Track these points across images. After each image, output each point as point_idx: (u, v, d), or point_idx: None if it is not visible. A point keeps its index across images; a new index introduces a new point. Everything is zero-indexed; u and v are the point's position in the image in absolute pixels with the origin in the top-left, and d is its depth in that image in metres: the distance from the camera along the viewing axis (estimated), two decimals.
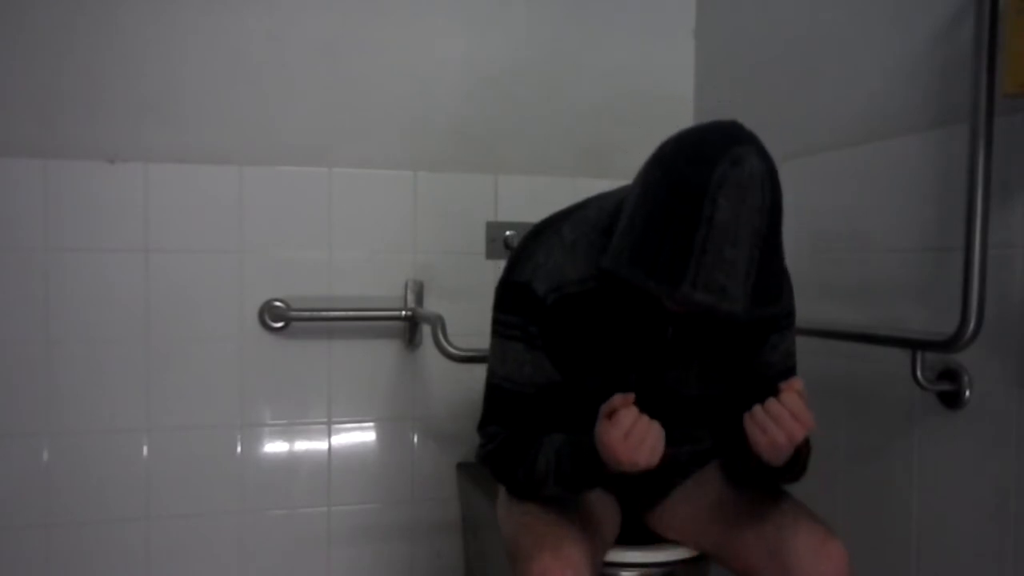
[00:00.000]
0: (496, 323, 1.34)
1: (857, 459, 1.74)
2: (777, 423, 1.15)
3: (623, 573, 1.43)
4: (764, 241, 1.09)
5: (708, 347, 1.33)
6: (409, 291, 2.16)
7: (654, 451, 1.16)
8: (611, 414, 1.17)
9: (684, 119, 2.30)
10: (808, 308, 1.66)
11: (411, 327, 2.17)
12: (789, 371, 1.39)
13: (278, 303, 2.08)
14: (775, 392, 1.17)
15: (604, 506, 1.44)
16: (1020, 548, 1.39)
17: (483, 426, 1.39)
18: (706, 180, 1.07)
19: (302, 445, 2.14)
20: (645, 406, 1.33)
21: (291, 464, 2.14)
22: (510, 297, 1.31)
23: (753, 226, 1.07)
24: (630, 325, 1.28)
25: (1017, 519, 1.39)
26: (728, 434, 1.41)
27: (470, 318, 2.00)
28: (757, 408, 1.17)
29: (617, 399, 1.17)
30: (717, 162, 1.07)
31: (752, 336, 1.35)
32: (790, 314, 1.38)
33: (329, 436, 2.16)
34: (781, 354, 1.38)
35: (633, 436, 1.15)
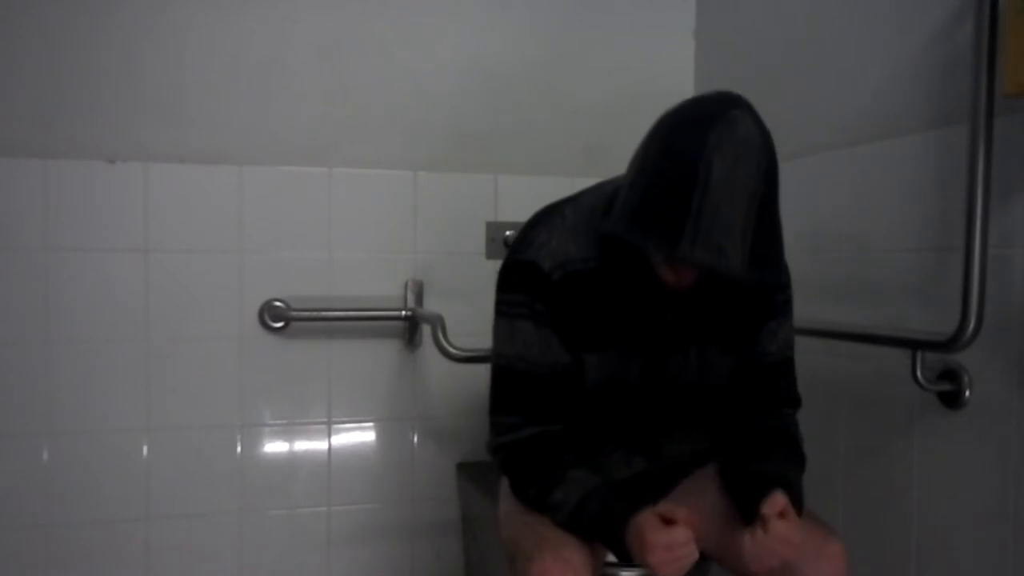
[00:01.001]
0: (501, 304, 1.33)
1: (857, 459, 1.74)
2: (769, 553, 1.17)
3: (623, 573, 1.43)
4: (761, 203, 1.10)
5: (707, 331, 1.33)
6: (409, 291, 2.16)
7: (679, 572, 1.16)
8: (668, 520, 1.16)
9: None
10: (808, 308, 1.66)
11: (411, 327, 2.17)
12: (786, 362, 1.40)
13: (278, 303, 2.08)
14: (756, 512, 1.18)
15: None
16: (1020, 548, 1.39)
17: (497, 412, 1.35)
18: (702, 141, 1.09)
19: (302, 445, 2.14)
20: (646, 395, 1.33)
21: (291, 464, 2.14)
22: (516, 276, 1.31)
23: (749, 187, 1.09)
24: (632, 305, 1.29)
25: (1017, 519, 1.39)
26: (726, 437, 1.42)
27: (470, 318, 2.00)
28: (748, 540, 1.18)
29: (683, 513, 1.17)
30: (712, 125, 1.10)
31: (750, 318, 1.35)
32: (788, 301, 1.39)
33: (329, 436, 2.16)
34: (779, 343, 1.38)
35: (673, 552, 1.15)
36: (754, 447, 1.35)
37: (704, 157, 1.08)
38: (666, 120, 1.17)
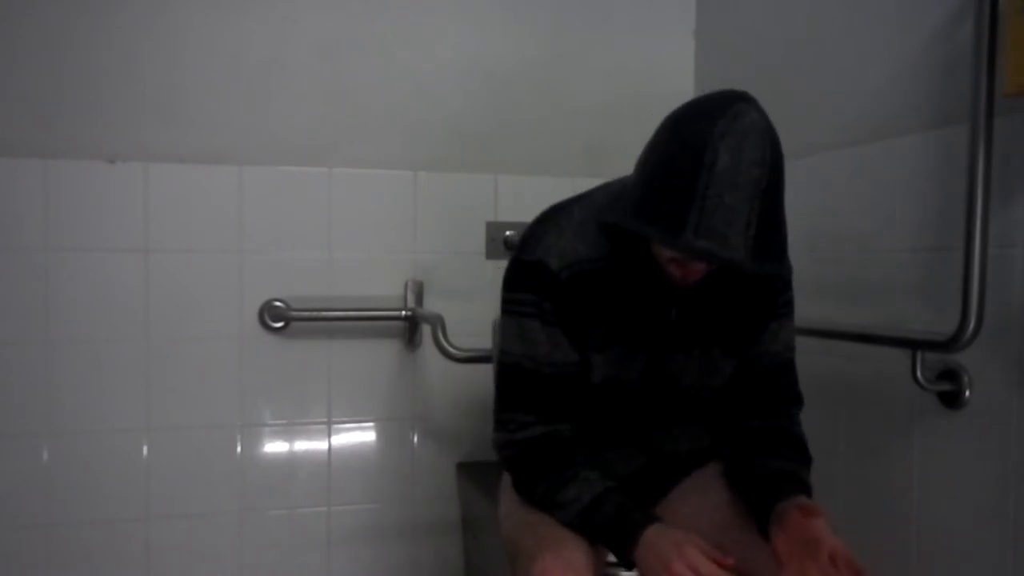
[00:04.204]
0: (508, 303, 1.33)
1: (857, 459, 1.74)
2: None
3: (623, 573, 1.43)
4: (764, 194, 1.11)
5: (711, 331, 1.34)
6: (409, 291, 2.16)
7: None
8: (716, 560, 1.14)
9: None
10: (808, 308, 1.66)
11: (411, 327, 2.17)
12: (788, 363, 1.41)
13: (278, 303, 2.08)
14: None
15: None
16: (1020, 548, 1.39)
17: (506, 409, 1.34)
18: (708, 132, 1.10)
19: (302, 445, 2.14)
20: (647, 394, 1.33)
21: (291, 464, 2.14)
22: (524, 275, 1.30)
23: (753, 176, 1.10)
24: (637, 302, 1.29)
25: (1017, 519, 1.39)
26: (731, 437, 1.42)
27: (470, 318, 2.00)
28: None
29: (732, 562, 1.15)
30: (719, 117, 1.11)
31: (753, 319, 1.35)
32: (789, 301, 1.39)
33: (329, 436, 2.16)
34: (781, 344, 1.39)
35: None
36: (763, 446, 1.36)
37: (710, 146, 1.09)
38: (674, 114, 1.19)
